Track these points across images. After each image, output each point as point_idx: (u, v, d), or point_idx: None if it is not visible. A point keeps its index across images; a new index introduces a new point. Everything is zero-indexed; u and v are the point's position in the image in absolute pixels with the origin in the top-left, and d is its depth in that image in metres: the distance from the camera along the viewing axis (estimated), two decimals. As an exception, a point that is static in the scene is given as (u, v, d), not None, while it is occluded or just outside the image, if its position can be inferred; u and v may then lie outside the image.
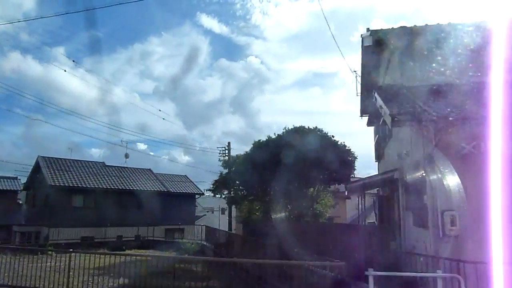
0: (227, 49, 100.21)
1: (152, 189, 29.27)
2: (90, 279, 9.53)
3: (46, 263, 9.84)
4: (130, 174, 30.04)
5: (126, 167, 30.96)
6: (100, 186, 26.32)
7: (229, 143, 27.24)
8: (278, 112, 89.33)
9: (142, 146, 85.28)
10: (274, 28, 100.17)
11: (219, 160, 25.65)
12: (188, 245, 17.98)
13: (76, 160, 28.88)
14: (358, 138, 63.07)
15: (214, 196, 20.34)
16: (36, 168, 27.47)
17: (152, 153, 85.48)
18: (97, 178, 27.25)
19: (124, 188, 27.48)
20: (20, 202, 33.54)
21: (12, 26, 68.46)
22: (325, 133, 12.94)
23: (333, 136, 12.95)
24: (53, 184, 24.23)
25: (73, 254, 9.68)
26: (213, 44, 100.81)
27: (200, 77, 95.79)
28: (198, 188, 33.51)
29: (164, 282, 9.69)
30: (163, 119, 48.57)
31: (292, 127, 12.98)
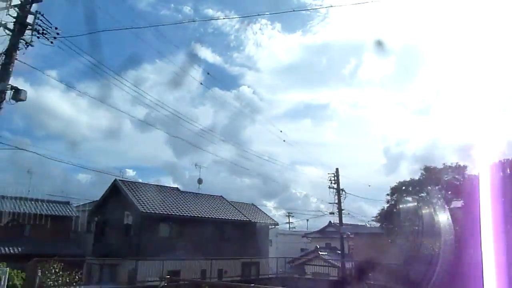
0: (220, 78, 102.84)
1: (233, 218, 26.86)
2: None
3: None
4: (206, 202, 27.66)
5: (200, 194, 28.64)
6: (183, 214, 23.92)
7: (337, 169, 25.15)
8: (269, 142, 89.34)
9: (131, 173, 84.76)
10: (267, 60, 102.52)
11: (329, 187, 23.52)
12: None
13: (153, 185, 26.55)
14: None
15: (381, 226, 17.99)
16: (113, 193, 25.05)
17: (140, 180, 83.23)
18: (177, 205, 24.86)
19: (205, 216, 25.06)
20: (74, 229, 30.86)
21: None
22: None
23: None
24: (143, 211, 21.82)
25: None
26: (206, 73, 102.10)
27: (192, 105, 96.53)
28: (271, 218, 31.09)
29: None
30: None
31: None
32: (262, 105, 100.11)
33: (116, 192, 24.70)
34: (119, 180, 25.02)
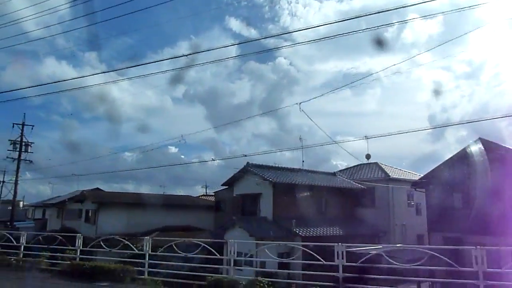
0: (256, 51, 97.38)
1: None
2: None
3: None
4: None
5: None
6: None
7: None
8: (308, 114, 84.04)
9: (173, 150, 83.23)
10: (303, 30, 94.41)
11: None
12: None
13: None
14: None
15: None
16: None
17: (183, 156, 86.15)
18: None
19: None
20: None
21: (48, 32, 64.88)
22: None
23: None
24: None
25: None
26: (242, 47, 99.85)
27: (230, 80, 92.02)
28: None
29: None
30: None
31: None
32: (299, 77, 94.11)
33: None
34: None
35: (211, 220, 28.13)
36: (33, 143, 29.54)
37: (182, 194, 36.23)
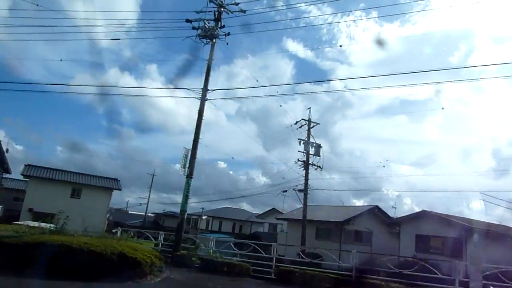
0: (311, 73, 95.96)
1: None
2: None
3: None
4: None
5: None
6: None
7: None
8: (360, 139, 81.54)
9: (222, 165, 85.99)
10: (360, 53, 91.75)
11: None
12: None
13: None
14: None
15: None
16: None
17: (231, 172, 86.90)
18: None
19: None
20: None
21: (116, 43, 63.17)
22: None
23: None
24: None
25: None
26: (298, 67, 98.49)
27: (282, 100, 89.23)
28: None
29: None
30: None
31: None
32: (354, 100, 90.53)
33: None
34: None
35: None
36: (320, 146, 23.96)
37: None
